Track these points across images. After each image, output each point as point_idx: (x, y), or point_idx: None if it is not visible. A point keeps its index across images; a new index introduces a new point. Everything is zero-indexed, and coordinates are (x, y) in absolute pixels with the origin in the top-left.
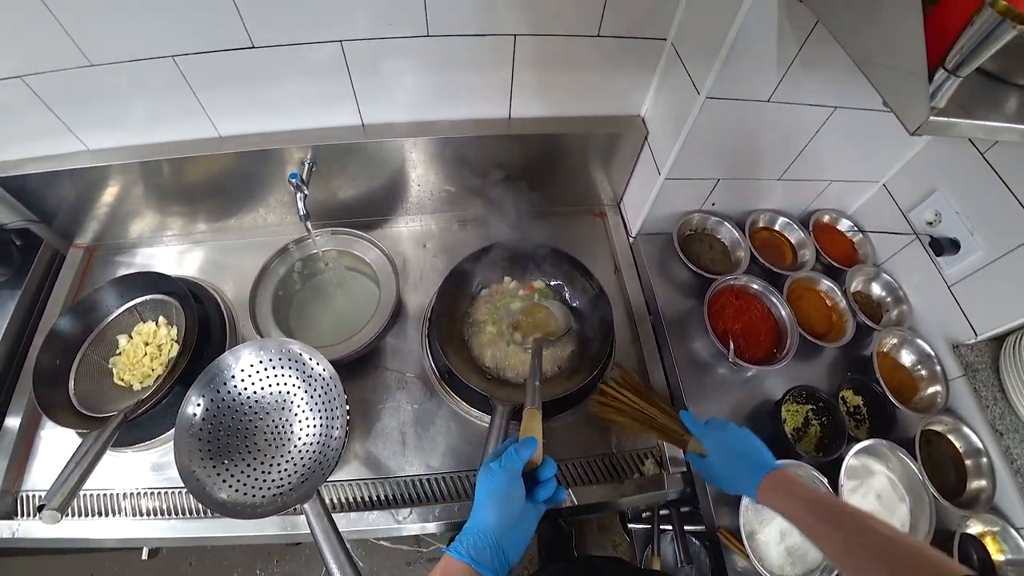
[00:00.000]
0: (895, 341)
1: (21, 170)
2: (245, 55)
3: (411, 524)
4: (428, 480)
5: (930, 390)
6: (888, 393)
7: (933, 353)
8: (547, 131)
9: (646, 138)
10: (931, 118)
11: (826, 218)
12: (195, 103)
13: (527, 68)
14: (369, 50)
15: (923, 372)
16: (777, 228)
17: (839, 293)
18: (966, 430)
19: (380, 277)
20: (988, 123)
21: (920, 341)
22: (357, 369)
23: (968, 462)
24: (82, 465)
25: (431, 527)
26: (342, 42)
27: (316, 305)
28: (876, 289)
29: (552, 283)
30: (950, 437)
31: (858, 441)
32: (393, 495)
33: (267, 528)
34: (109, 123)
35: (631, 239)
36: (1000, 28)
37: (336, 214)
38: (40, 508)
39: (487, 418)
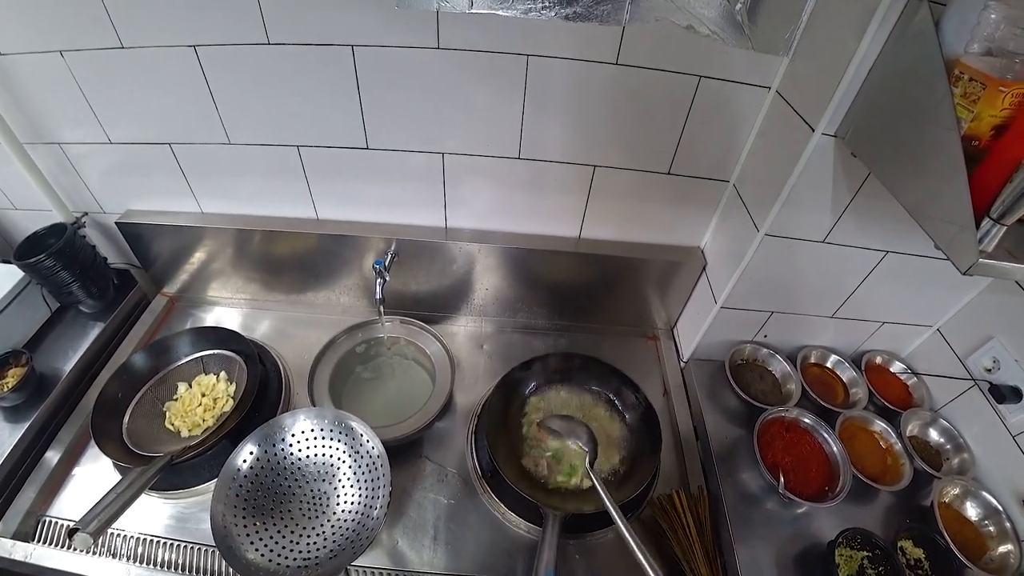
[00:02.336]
0: (957, 491)
1: (141, 219)
2: (359, 153)
3: None
4: None
5: (1001, 549)
6: (954, 548)
7: (1001, 508)
8: (611, 253)
9: (704, 268)
10: (980, 260)
11: (878, 359)
12: (304, 187)
13: (601, 195)
14: (466, 163)
15: (991, 528)
16: (828, 365)
17: (894, 435)
18: None
19: (437, 370)
20: None
21: (986, 494)
22: (398, 455)
23: None
24: (123, 497)
25: None
26: (443, 154)
27: (371, 386)
28: (934, 435)
29: (603, 396)
30: None
31: None
32: None
33: None
34: (225, 192)
35: (682, 363)
36: None
37: (404, 304)
38: (72, 532)
39: (524, 524)
